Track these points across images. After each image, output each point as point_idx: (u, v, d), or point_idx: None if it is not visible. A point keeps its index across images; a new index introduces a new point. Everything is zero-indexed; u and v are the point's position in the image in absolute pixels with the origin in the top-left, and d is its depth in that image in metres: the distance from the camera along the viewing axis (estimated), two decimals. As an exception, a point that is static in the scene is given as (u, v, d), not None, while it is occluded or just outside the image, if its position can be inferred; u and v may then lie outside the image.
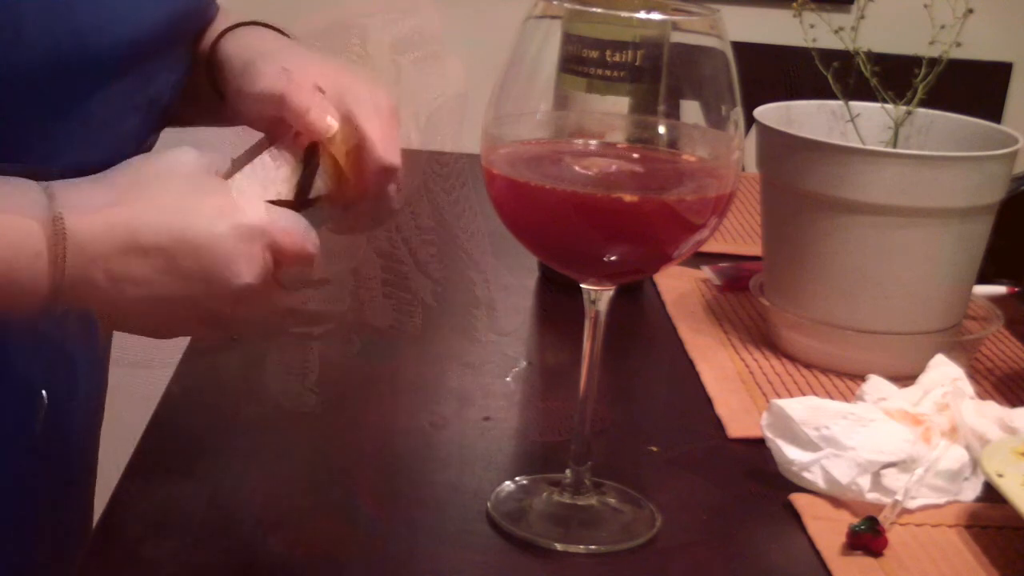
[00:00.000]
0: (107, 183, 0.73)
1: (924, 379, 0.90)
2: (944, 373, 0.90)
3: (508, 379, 0.97)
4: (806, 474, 0.82)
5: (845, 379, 1.00)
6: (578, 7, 0.78)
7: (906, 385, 0.90)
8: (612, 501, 0.81)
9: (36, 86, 0.76)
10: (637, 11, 0.77)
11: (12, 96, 0.75)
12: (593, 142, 0.81)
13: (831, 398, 0.96)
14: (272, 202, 0.76)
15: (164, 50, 0.86)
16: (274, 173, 0.78)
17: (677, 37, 0.77)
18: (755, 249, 1.16)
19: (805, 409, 0.83)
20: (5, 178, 0.71)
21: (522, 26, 0.76)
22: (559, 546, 0.77)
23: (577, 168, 0.77)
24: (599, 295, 0.77)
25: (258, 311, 0.75)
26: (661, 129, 0.77)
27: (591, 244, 0.74)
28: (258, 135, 0.81)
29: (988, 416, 0.86)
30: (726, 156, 0.76)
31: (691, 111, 0.77)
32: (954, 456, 0.83)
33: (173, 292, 0.72)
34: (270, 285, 0.74)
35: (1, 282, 0.69)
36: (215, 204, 0.72)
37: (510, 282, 1.18)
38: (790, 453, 0.83)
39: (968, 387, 0.89)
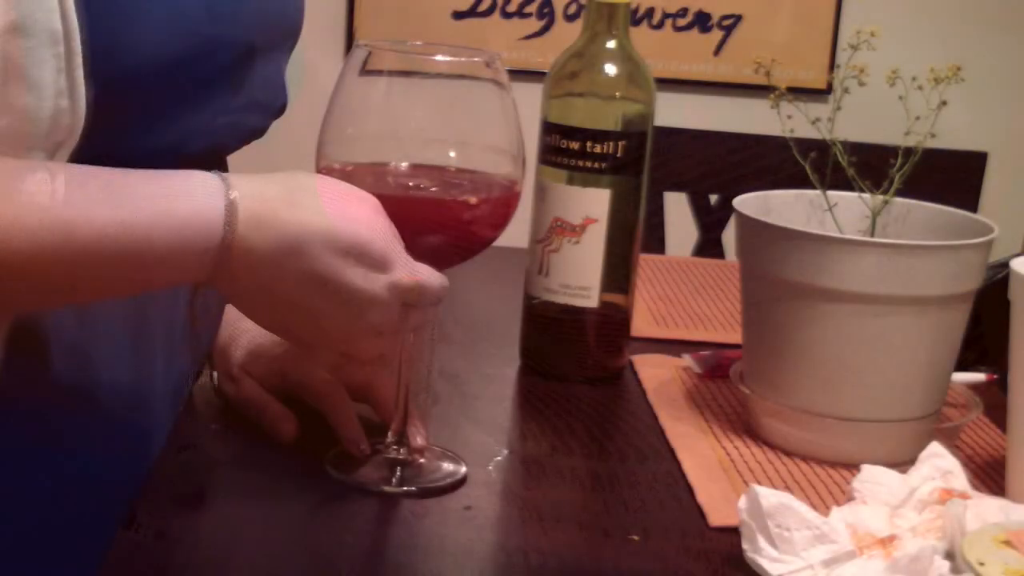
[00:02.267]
0: (275, 181, 0.82)
1: (914, 474, 0.90)
2: (935, 466, 0.90)
3: (489, 468, 0.97)
4: (764, 564, 0.82)
5: (826, 467, 1.00)
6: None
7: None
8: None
9: (183, 72, 0.83)
10: (433, 54, 0.89)
11: (160, 82, 0.82)
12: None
13: (812, 487, 0.96)
14: None
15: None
16: None
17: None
18: (735, 337, 1.17)
19: (777, 504, 0.82)
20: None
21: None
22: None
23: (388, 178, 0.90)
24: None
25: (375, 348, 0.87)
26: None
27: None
28: None
29: (990, 518, 0.85)
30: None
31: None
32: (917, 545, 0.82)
33: (313, 306, 0.82)
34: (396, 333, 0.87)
35: (173, 256, 0.77)
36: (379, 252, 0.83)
37: (491, 371, 1.18)
38: (759, 542, 0.82)
39: (962, 479, 0.89)
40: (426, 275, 0.85)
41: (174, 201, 0.77)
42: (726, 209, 1.94)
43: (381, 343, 0.87)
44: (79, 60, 0.76)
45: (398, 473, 0.93)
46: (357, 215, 0.82)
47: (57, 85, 0.75)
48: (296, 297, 0.82)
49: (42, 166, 0.75)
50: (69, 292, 0.78)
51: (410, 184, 0.89)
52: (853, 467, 0.93)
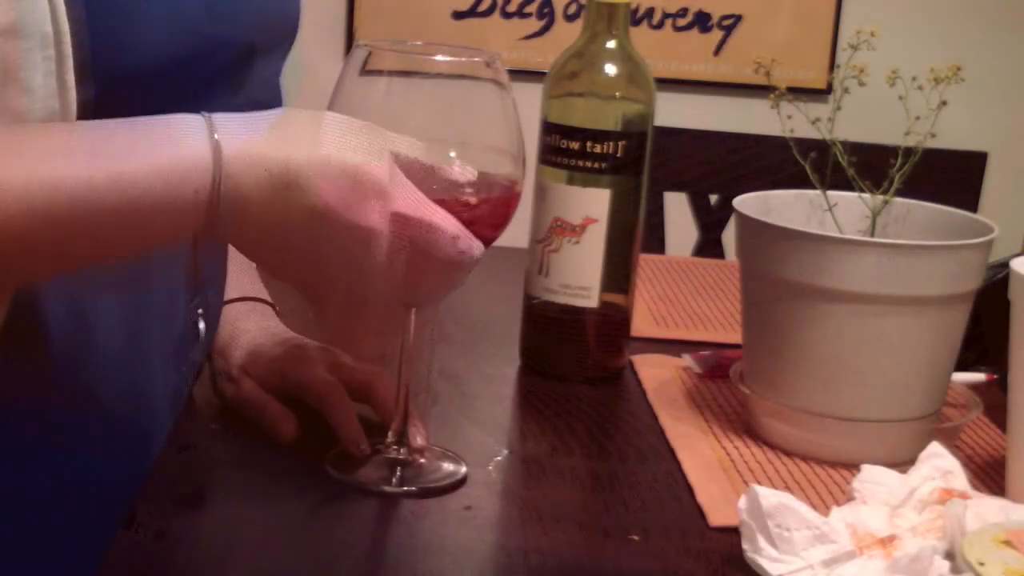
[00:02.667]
0: (265, 118, 0.80)
1: (914, 474, 0.90)
2: (935, 466, 0.90)
3: (489, 468, 0.97)
4: (764, 564, 0.82)
5: (826, 467, 1.00)
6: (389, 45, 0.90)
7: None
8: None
9: (184, 71, 0.83)
10: (433, 54, 0.89)
11: (162, 83, 0.81)
12: None
13: (812, 487, 0.96)
14: None
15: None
16: None
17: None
18: (735, 337, 1.17)
19: (777, 504, 0.82)
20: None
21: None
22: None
23: None
24: None
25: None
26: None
27: None
28: None
29: (990, 518, 0.85)
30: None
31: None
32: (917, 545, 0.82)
33: (312, 244, 0.80)
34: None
35: (166, 200, 0.76)
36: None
37: (491, 371, 1.18)
38: (759, 542, 0.82)
39: (962, 479, 0.89)
40: (439, 218, 0.82)
41: (159, 147, 0.76)
42: (726, 209, 1.94)
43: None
44: (70, 64, 0.76)
45: (398, 473, 0.93)
46: (351, 144, 0.79)
47: (48, 88, 0.75)
48: (294, 234, 0.79)
49: (26, 128, 0.75)
50: (67, 254, 0.77)
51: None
52: (853, 467, 0.93)
